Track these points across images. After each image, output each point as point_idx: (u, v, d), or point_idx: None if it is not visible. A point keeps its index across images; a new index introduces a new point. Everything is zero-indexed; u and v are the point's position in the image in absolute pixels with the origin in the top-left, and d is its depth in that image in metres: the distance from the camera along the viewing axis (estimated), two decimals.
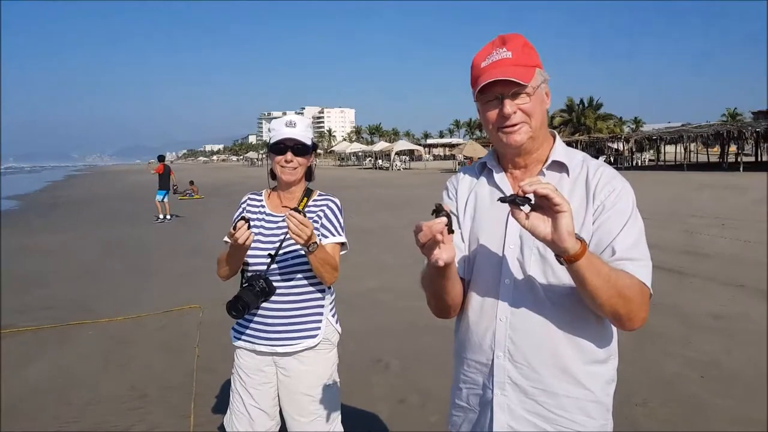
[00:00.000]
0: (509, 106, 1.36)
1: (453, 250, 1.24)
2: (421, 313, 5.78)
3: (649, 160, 47.96)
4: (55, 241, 12.28)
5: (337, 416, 2.29)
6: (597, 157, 1.57)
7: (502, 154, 1.49)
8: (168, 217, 15.67)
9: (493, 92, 1.38)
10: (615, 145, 46.19)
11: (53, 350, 5.16)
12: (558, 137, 1.50)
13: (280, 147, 2.20)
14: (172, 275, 8.35)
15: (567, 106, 63.44)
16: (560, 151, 1.45)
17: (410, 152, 61.73)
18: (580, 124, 60.63)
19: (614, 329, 1.44)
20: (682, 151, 41.81)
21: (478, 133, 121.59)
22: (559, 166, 1.43)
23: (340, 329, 2.34)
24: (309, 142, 2.23)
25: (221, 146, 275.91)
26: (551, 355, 1.37)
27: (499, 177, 1.48)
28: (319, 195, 2.31)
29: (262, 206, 2.31)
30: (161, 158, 17.21)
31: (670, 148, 46.33)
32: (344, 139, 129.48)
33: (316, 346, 2.21)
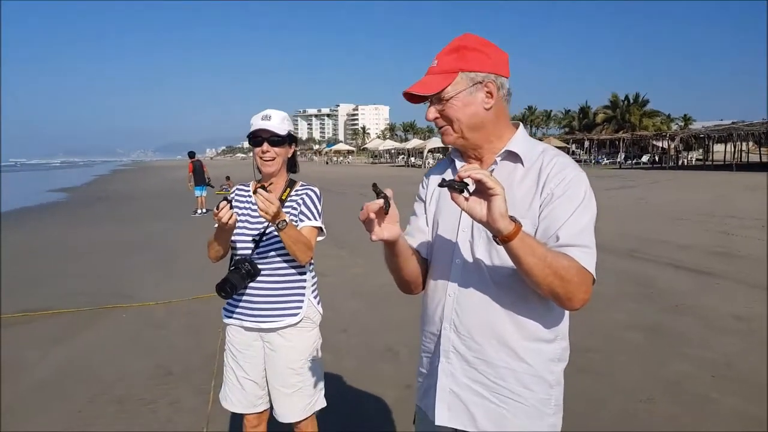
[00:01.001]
0: (429, 112, 1.50)
1: (394, 230, 1.38)
2: None
3: (697, 160, 46.13)
4: (97, 232, 12.82)
5: (319, 390, 2.48)
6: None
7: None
8: (204, 210, 16.15)
9: (415, 101, 1.51)
10: (660, 144, 44.85)
11: (89, 331, 5.49)
12: (522, 129, 1.57)
13: (256, 139, 2.35)
14: (203, 265, 8.64)
15: (611, 102, 61.74)
16: (517, 142, 1.52)
17: (444, 149, 61.53)
18: (625, 121, 59.07)
19: (566, 313, 1.53)
20: (732, 150, 39.92)
21: None
22: (514, 156, 1.51)
23: (321, 310, 2.51)
24: (284, 133, 2.36)
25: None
26: (492, 329, 1.46)
27: (460, 166, 1.55)
28: (301, 185, 2.49)
29: (249, 196, 2.48)
30: (191, 154, 17.60)
31: (719, 147, 43.87)
32: (378, 137, 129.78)
33: (298, 323, 2.40)
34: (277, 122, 2.36)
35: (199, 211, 16.17)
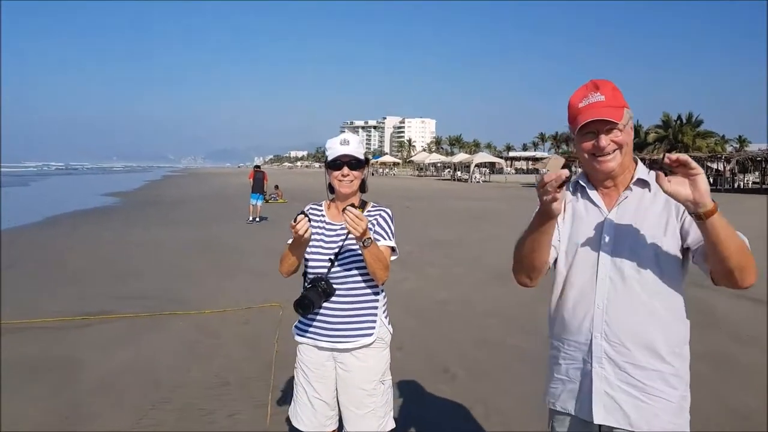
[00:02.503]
0: (604, 140, 1.70)
1: (559, 207, 1.59)
2: (491, 328, 5.90)
3: (753, 183, 44.44)
4: (150, 236, 13.22)
5: (389, 411, 2.48)
6: None
7: (593, 176, 1.81)
8: (257, 219, 16.50)
9: (590, 128, 1.71)
10: (715, 165, 43.47)
11: (147, 336, 5.63)
12: (639, 161, 1.84)
13: (336, 163, 2.44)
14: (255, 274, 8.80)
15: (663, 121, 59.69)
16: (642, 171, 1.79)
17: (491, 165, 61.07)
18: (677, 142, 57.19)
19: (687, 321, 1.78)
20: None
21: (564, 147, 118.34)
22: (643, 183, 1.77)
23: (391, 330, 2.53)
24: (362, 157, 2.47)
25: (305, 153, 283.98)
26: (641, 335, 1.70)
27: (593, 194, 1.82)
28: (373, 206, 2.54)
29: (323, 216, 2.54)
30: (257, 167, 18.32)
31: None
32: (423, 150, 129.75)
33: (371, 344, 2.41)
34: (355, 146, 2.47)
35: (253, 218, 16.53)
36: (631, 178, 1.77)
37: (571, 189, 1.87)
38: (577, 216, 1.82)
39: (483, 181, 50.74)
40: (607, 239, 1.74)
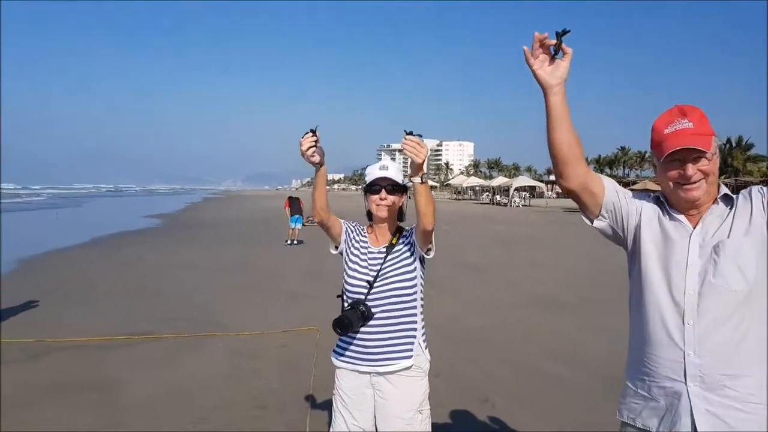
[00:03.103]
0: (691, 168, 1.70)
1: (557, 71, 1.69)
2: (529, 355, 5.78)
3: None
4: (191, 258, 13.49)
5: None
6: None
7: (677, 204, 1.79)
8: (296, 241, 16.72)
9: (677, 156, 1.70)
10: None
11: (187, 357, 5.73)
12: (722, 185, 1.83)
13: (374, 187, 2.49)
14: (292, 296, 8.89)
15: None
16: (725, 189, 1.80)
17: (531, 188, 60.34)
18: (727, 166, 55.73)
19: None
20: None
21: (608, 170, 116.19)
22: (728, 199, 1.78)
23: (429, 356, 2.51)
24: (401, 182, 2.51)
25: (342, 175, 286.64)
26: (735, 347, 1.67)
27: (681, 217, 1.79)
28: (406, 229, 2.57)
29: (365, 240, 2.58)
30: (290, 198, 18.39)
31: None
32: (461, 173, 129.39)
33: (410, 367, 2.40)
34: (394, 172, 2.52)
35: (291, 241, 16.75)
36: (716, 199, 1.77)
37: (654, 203, 1.86)
38: (662, 231, 1.80)
39: (522, 205, 50.11)
40: (693, 256, 1.73)
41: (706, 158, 1.69)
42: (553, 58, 1.66)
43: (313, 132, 2.30)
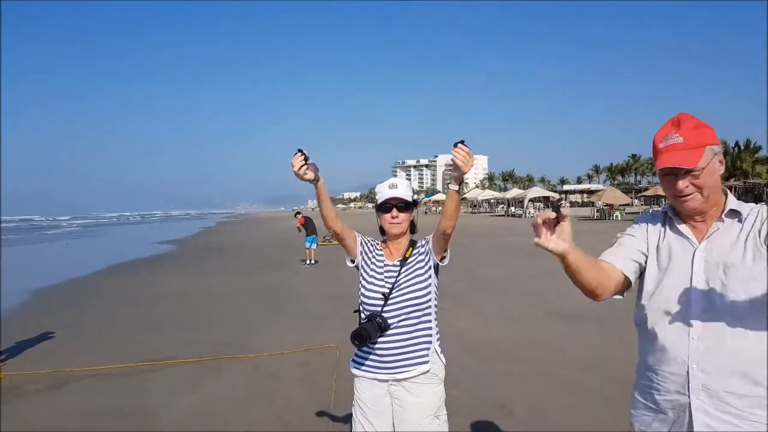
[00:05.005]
0: (681, 183, 1.73)
1: (561, 244, 1.61)
2: (548, 365, 5.82)
3: None
4: (207, 283, 13.64)
5: None
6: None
7: (682, 212, 1.82)
8: (313, 261, 16.83)
9: (667, 171, 1.75)
10: None
11: (210, 381, 5.84)
12: (729, 193, 1.84)
13: (386, 206, 2.61)
14: (311, 317, 8.99)
15: None
16: (733, 201, 1.80)
17: (545, 199, 60.08)
18: (735, 169, 55.04)
19: None
20: None
21: (620, 178, 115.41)
22: (735, 214, 1.77)
23: (444, 362, 2.61)
24: (410, 200, 2.63)
25: (358, 194, 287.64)
26: (740, 364, 1.68)
27: (682, 227, 1.83)
28: (419, 242, 2.68)
29: (380, 252, 2.70)
30: (298, 214, 18.78)
31: None
32: (476, 186, 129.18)
33: (427, 372, 2.51)
34: (403, 190, 2.63)
35: (308, 261, 16.87)
36: (722, 210, 1.77)
37: (659, 219, 1.90)
38: (667, 248, 1.83)
39: None
40: (698, 272, 1.75)
41: (696, 172, 1.71)
42: (554, 227, 1.62)
43: (301, 151, 2.41)
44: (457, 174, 2.27)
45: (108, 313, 10.01)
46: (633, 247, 1.89)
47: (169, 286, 13.20)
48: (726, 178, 53.40)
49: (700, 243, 1.77)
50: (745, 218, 1.75)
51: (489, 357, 6.25)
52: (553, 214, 1.55)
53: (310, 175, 2.43)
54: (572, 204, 78.48)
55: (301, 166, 2.40)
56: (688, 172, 1.71)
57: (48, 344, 7.74)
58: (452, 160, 2.19)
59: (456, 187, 2.34)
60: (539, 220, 1.58)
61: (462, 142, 2.20)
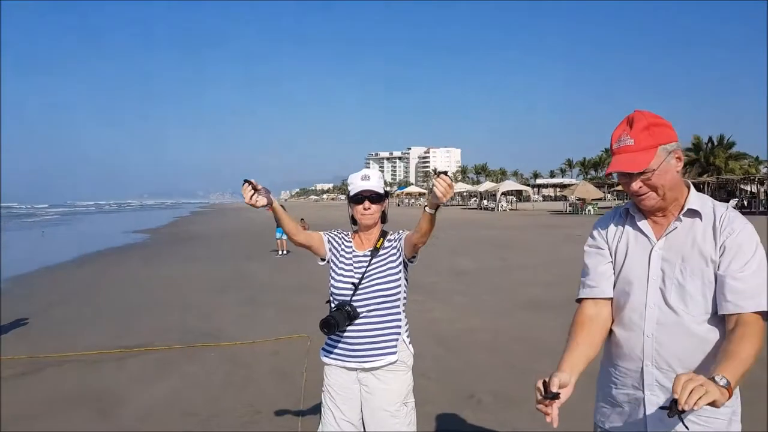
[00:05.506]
0: (634, 184, 1.73)
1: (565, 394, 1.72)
2: (518, 355, 5.92)
3: None
4: (180, 270, 13.55)
5: None
6: (728, 200, 1.86)
7: (639, 207, 1.83)
8: (285, 252, 16.80)
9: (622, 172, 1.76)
10: (749, 188, 42.61)
11: (181, 368, 5.82)
12: (692, 187, 1.83)
13: (358, 197, 2.63)
14: (283, 307, 8.98)
15: (693, 144, 58.19)
16: (694, 199, 1.79)
17: (517, 192, 60.78)
18: (709, 165, 56.05)
19: None
20: None
21: (592, 173, 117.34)
22: (693, 213, 1.77)
23: (413, 351, 2.66)
24: (382, 191, 2.66)
25: (331, 185, 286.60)
26: (690, 360, 1.71)
27: (642, 223, 1.83)
28: (391, 233, 2.71)
29: (351, 245, 2.72)
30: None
31: None
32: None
33: (395, 362, 2.56)
34: (375, 181, 2.66)
35: (280, 252, 16.83)
36: (682, 207, 1.78)
37: (621, 216, 1.90)
38: (626, 245, 1.85)
39: (509, 209, 50.47)
40: (654, 269, 1.77)
41: (647, 174, 1.70)
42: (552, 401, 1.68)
43: (248, 181, 2.44)
44: (435, 201, 2.30)
45: (82, 301, 9.89)
46: (606, 264, 1.89)
47: (142, 275, 13.07)
48: (699, 173, 54.57)
49: (658, 240, 1.79)
50: (705, 217, 1.75)
51: (460, 348, 6.33)
52: (550, 396, 1.64)
53: (262, 201, 2.45)
54: (545, 198, 79.49)
55: (251, 195, 2.42)
56: (640, 174, 1.71)
57: (22, 330, 7.65)
58: (433, 188, 2.22)
59: (432, 211, 2.36)
60: (543, 410, 1.64)
61: (445, 173, 2.24)
